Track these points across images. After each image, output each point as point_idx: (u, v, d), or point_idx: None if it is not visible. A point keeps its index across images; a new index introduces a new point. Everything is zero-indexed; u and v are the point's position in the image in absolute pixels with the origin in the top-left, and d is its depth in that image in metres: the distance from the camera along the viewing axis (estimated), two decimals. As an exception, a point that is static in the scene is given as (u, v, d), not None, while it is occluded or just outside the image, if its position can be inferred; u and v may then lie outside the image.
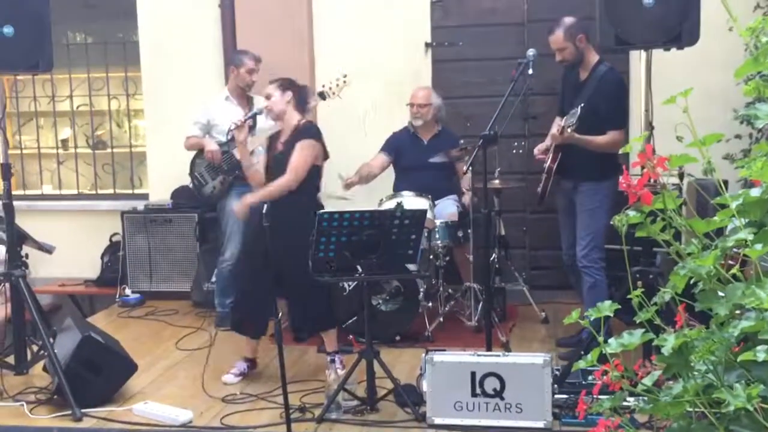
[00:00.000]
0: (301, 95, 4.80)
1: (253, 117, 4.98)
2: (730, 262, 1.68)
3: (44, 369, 4.69)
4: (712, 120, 5.42)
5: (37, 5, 4.59)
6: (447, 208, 5.75)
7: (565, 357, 4.81)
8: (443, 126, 6.03)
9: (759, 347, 1.44)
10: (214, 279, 6.10)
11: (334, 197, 5.91)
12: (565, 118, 4.83)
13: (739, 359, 1.44)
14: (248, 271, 4.70)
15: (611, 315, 1.77)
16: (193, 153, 5.96)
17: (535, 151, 5.07)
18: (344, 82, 5.41)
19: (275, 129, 4.87)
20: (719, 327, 1.55)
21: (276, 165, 4.69)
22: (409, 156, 5.92)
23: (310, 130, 4.71)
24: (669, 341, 1.56)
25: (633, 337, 1.68)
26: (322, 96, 5.54)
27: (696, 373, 1.55)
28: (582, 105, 4.66)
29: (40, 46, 4.61)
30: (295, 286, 4.56)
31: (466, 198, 5.71)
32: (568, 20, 4.85)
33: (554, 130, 4.87)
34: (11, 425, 4.20)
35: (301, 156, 4.58)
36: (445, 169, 5.88)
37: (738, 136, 5.67)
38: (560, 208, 5.13)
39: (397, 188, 5.83)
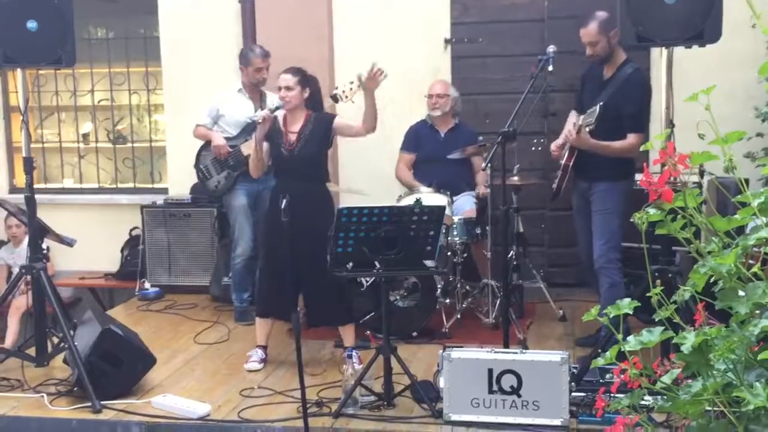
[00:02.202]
0: (318, 94, 4.87)
1: (275, 110, 4.93)
2: (750, 261, 1.67)
3: (64, 361, 4.73)
4: (733, 117, 5.37)
5: (60, 0, 4.62)
6: (465, 205, 5.75)
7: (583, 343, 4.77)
8: (460, 120, 6.03)
9: (779, 346, 1.43)
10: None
11: (351, 191, 5.91)
12: (582, 116, 4.75)
13: (759, 358, 1.43)
14: (271, 263, 4.73)
15: (630, 313, 1.76)
16: (200, 142, 5.98)
17: (552, 146, 4.97)
18: (358, 86, 5.38)
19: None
20: (739, 326, 1.54)
21: (294, 160, 4.70)
22: (426, 148, 5.93)
23: (328, 114, 4.91)
24: (689, 339, 1.55)
25: (652, 335, 1.67)
26: (335, 99, 5.53)
27: (716, 371, 1.54)
28: (602, 103, 4.59)
29: (63, 41, 4.65)
30: (314, 278, 4.58)
31: (481, 189, 5.67)
32: (602, 14, 4.70)
33: (569, 127, 4.78)
34: (31, 416, 4.24)
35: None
36: (463, 165, 5.88)
37: (759, 134, 5.62)
38: (575, 208, 5.06)
39: (416, 183, 5.84)
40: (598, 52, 4.73)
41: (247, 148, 5.68)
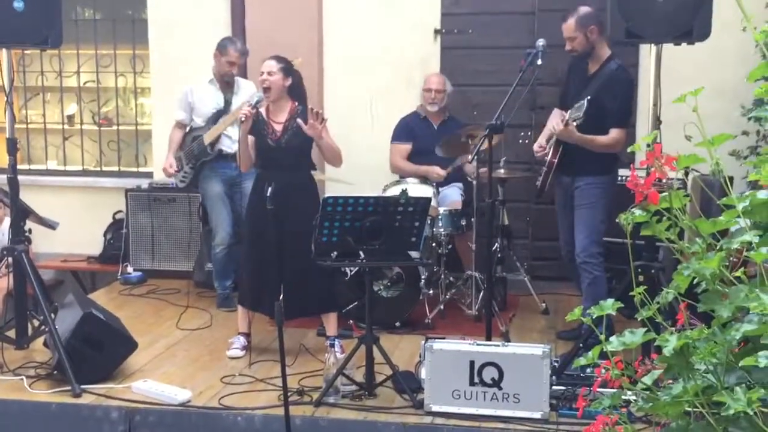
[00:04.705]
0: (300, 86, 4.83)
1: (257, 104, 4.88)
2: (733, 259, 1.67)
3: (45, 344, 4.70)
4: (719, 115, 5.40)
5: (46, -20, 4.57)
6: (451, 196, 5.75)
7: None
8: (450, 113, 6.03)
9: (761, 353, 1.43)
10: (215, 260, 6.09)
11: (337, 181, 5.90)
12: (569, 111, 4.76)
13: (740, 364, 1.44)
14: (254, 252, 4.73)
15: (613, 313, 1.77)
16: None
17: (535, 146, 5.01)
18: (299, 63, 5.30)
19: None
20: (721, 329, 1.54)
21: (281, 152, 4.68)
22: (422, 139, 5.89)
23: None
24: (671, 342, 1.56)
25: (635, 336, 1.67)
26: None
27: (696, 373, 1.55)
28: (589, 98, 4.61)
29: (50, 21, 4.60)
30: (297, 265, 4.58)
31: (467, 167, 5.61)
32: (583, 9, 4.76)
33: (555, 121, 4.77)
34: (11, 399, 4.22)
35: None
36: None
37: (745, 133, 5.64)
38: (558, 203, 5.08)
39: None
40: (576, 47, 4.78)
41: (209, 137, 5.64)
